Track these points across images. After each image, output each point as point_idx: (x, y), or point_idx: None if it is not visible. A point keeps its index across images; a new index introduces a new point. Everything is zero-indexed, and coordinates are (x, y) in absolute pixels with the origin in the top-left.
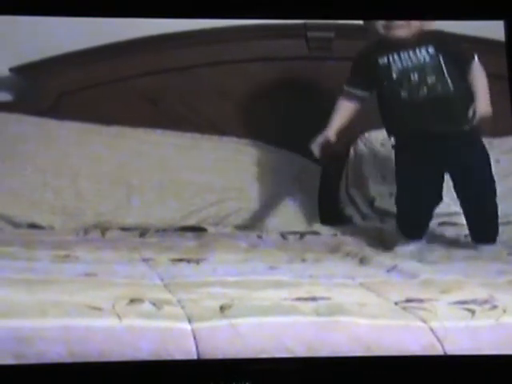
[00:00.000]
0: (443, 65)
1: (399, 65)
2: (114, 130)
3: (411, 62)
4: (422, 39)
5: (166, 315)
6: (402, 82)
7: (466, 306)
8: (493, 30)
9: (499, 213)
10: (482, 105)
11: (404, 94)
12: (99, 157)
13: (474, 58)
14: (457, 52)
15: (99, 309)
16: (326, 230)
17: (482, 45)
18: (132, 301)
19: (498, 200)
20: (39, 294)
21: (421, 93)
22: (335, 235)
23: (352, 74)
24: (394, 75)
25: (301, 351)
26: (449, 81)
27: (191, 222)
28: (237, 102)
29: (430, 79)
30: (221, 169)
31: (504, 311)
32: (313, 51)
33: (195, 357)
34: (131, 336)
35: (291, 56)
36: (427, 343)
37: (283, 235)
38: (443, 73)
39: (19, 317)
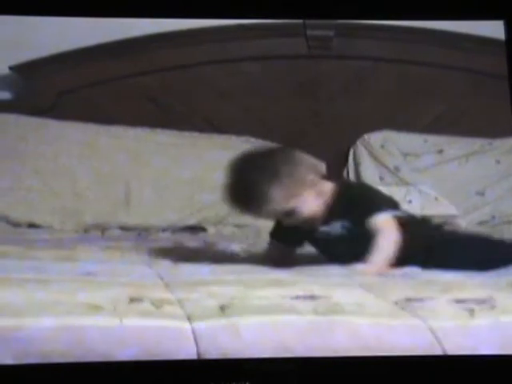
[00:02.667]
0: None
1: (322, 240)
2: (114, 129)
3: (329, 236)
4: (332, 213)
5: (165, 314)
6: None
7: (465, 305)
8: (492, 29)
9: (501, 213)
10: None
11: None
12: (99, 156)
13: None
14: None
15: (99, 308)
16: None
17: (481, 44)
18: (132, 300)
19: (499, 200)
20: (39, 294)
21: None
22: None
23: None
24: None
25: (300, 351)
26: None
27: (191, 221)
28: (236, 101)
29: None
30: (220, 167)
31: (503, 311)
32: (312, 50)
33: (195, 356)
34: (131, 335)
35: (291, 55)
36: (426, 342)
37: None
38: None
39: (19, 316)
